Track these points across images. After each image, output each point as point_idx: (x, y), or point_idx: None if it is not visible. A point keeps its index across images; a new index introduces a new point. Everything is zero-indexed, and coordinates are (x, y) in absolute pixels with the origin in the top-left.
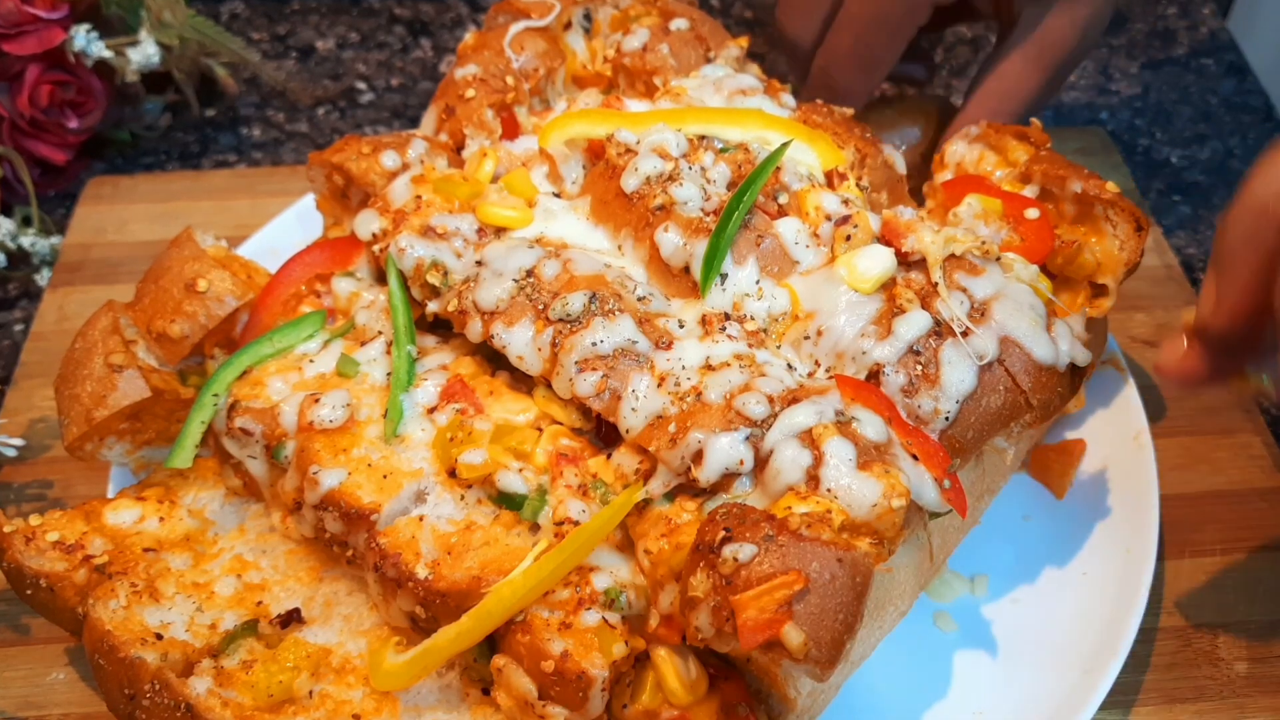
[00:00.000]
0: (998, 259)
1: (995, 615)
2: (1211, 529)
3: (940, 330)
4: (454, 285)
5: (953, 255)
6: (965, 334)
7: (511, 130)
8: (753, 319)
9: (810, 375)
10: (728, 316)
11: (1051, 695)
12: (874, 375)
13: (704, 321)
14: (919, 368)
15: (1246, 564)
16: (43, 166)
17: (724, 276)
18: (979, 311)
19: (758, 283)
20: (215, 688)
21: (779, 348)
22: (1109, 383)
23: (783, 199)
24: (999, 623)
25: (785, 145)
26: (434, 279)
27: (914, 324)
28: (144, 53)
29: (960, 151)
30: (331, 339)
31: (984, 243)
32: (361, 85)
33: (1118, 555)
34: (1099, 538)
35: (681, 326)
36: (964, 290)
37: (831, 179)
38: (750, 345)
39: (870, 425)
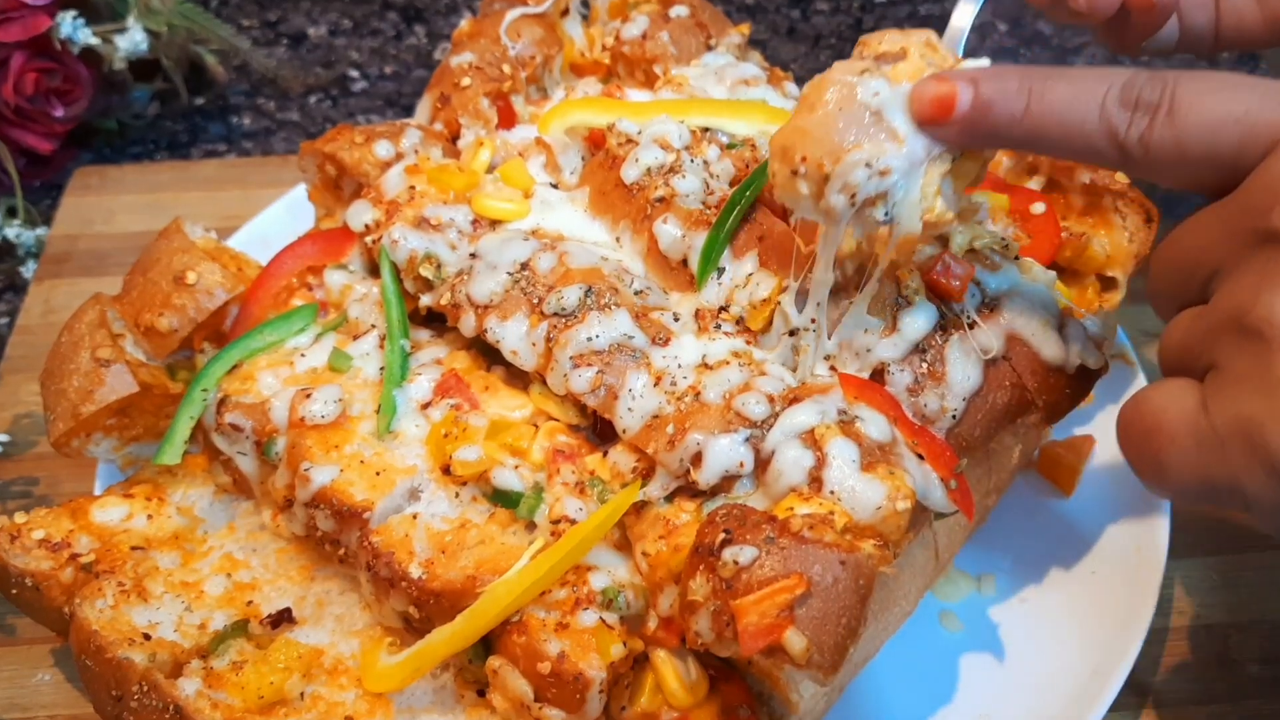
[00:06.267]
0: (1016, 259)
1: (1002, 615)
2: (1224, 527)
3: (946, 324)
4: (447, 278)
5: (973, 248)
6: (972, 326)
7: (508, 119)
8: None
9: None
10: (723, 309)
11: (1060, 697)
12: (878, 374)
13: (699, 316)
14: (925, 365)
15: (1259, 563)
16: (28, 156)
17: (721, 270)
18: (989, 307)
19: (751, 275)
20: (205, 689)
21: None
22: (1119, 377)
23: None
24: (1006, 623)
25: None
26: (427, 272)
27: (920, 319)
28: (132, 40)
29: None
30: (323, 333)
31: (1004, 241)
32: (354, 73)
33: (1127, 554)
34: (1108, 536)
35: (677, 320)
36: (977, 283)
37: None
38: (748, 343)
39: (874, 425)
